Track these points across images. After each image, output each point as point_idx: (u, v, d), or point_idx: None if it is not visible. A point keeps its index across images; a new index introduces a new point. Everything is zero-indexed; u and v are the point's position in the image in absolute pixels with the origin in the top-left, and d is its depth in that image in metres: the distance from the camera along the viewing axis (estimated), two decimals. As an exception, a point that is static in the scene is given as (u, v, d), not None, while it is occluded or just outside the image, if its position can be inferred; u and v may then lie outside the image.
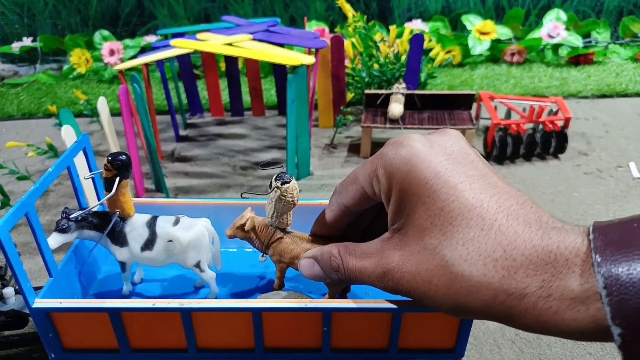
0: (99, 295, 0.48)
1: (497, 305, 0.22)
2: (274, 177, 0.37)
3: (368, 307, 0.37)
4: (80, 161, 0.47)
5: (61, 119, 0.71)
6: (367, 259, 0.27)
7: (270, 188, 0.37)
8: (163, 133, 1.09)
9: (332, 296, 0.42)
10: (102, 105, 0.77)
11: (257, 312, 0.37)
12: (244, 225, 0.41)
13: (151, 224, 0.43)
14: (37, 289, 0.42)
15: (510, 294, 0.21)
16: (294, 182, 0.36)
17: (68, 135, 0.64)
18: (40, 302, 0.38)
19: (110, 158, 0.41)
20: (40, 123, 1.21)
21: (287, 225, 0.41)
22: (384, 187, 0.26)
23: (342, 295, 0.43)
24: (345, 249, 0.29)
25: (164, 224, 0.43)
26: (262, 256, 0.43)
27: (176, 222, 0.43)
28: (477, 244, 0.22)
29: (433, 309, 0.25)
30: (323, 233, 0.37)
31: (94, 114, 1.08)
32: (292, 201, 0.38)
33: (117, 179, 0.41)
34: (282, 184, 0.36)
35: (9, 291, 0.49)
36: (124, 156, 0.41)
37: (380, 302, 0.37)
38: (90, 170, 0.47)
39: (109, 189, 0.42)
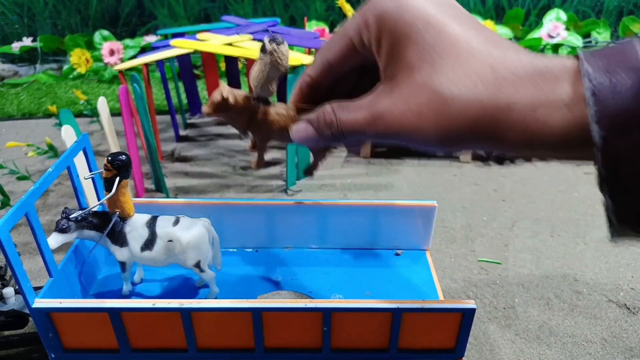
0: (99, 295, 0.48)
1: (485, 122, 0.22)
2: (267, 40, 0.33)
3: (368, 307, 0.37)
4: (80, 161, 0.47)
5: (61, 119, 0.71)
6: (359, 111, 0.27)
7: (263, 52, 0.33)
8: (163, 133, 1.09)
9: (315, 163, 0.38)
10: (102, 105, 0.77)
11: (257, 312, 0.37)
12: (224, 100, 0.35)
13: (151, 224, 0.43)
14: (37, 289, 0.42)
15: (499, 108, 0.22)
16: (286, 44, 0.34)
17: (68, 135, 0.63)
18: (40, 302, 0.38)
19: (110, 158, 0.41)
20: (40, 123, 1.21)
21: (272, 94, 0.36)
22: (375, 34, 0.26)
23: (321, 156, 0.39)
24: (338, 105, 0.28)
25: (164, 224, 0.43)
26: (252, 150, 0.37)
27: (176, 222, 0.44)
28: (465, 67, 0.23)
29: (425, 148, 0.25)
30: (304, 99, 0.34)
31: (94, 114, 1.08)
32: (285, 64, 0.34)
33: (117, 179, 0.41)
34: (278, 44, 0.33)
35: (9, 291, 0.49)
36: (123, 156, 0.41)
37: (380, 302, 0.37)
38: (90, 170, 0.47)
39: (108, 189, 0.42)
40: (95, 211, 0.43)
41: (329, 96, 0.32)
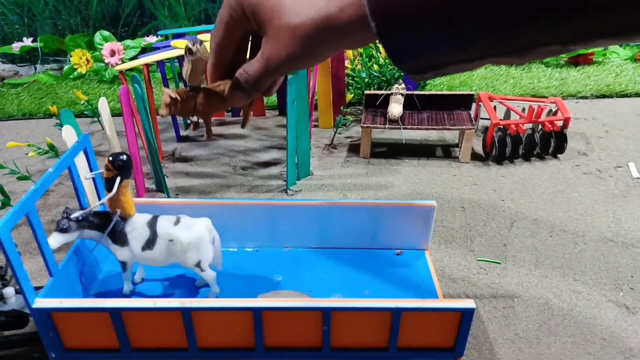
0: (100, 295, 0.48)
1: (317, 28, 0.32)
2: (190, 43, 0.44)
3: (368, 306, 0.37)
4: (81, 161, 0.47)
5: (62, 119, 0.71)
6: (257, 62, 0.36)
7: (189, 54, 0.44)
8: (164, 133, 1.09)
9: (245, 118, 0.46)
10: (103, 105, 0.77)
11: (257, 311, 0.37)
12: (172, 99, 0.45)
13: (152, 224, 0.44)
14: (37, 288, 0.42)
15: (319, 16, 0.32)
16: (204, 42, 0.45)
17: (69, 135, 0.64)
18: (40, 302, 0.38)
19: (111, 158, 0.41)
20: (40, 123, 1.21)
21: (202, 82, 0.47)
22: (239, 12, 0.36)
23: (249, 110, 0.47)
24: (245, 65, 0.38)
25: (164, 224, 0.43)
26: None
27: (177, 221, 0.44)
28: (295, 4, 0.33)
29: (304, 64, 0.35)
30: (218, 78, 0.43)
31: (94, 114, 1.08)
32: (206, 58, 0.45)
33: (118, 179, 0.41)
34: (200, 44, 0.44)
35: (9, 291, 0.49)
36: (124, 156, 0.42)
37: (380, 301, 0.37)
38: (91, 171, 0.47)
39: (109, 189, 0.42)
40: (96, 211, 0.43)
41: (235, 65, 0.41)
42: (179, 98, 0.46)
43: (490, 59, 0.28)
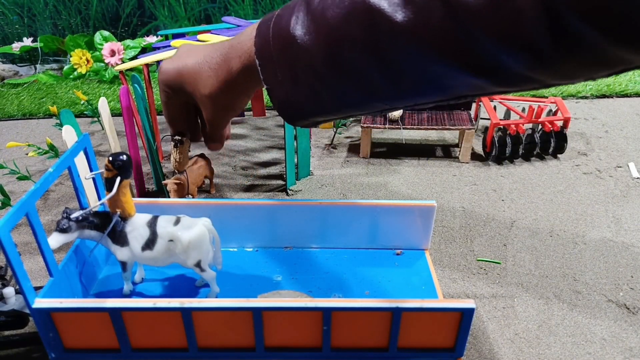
0: (100, 295, 0.48)
1: (225, 86, 0.39)
2: (174, 144, 0.49)
3: (368, 306, 0.37)
4: (81, 161, 0.47)
5: (62, 119, 0.71)
6: (206, 123, 0.44)
7: (179, 144, 0.49)
8: (164, 133, 1.09)
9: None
10: (103, 105, 0.77)
11: (257, 311, 0.37)
12: (178, 184, 0.69)
13: (152, 224, 0.44)
14: (37, 288, 0.42)
15: (221, 79, 0.39)
16: (186, 138, 0.50)
17: (69, 135, 0.64)
18: (40, 302, 0.38)
19: (111, 158, 0.41)
20: (40, 123, 1.21)
21: (186, 165, 0.56)
22: (171, 91, 0.42)
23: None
24: (205, 128, 0.46)
25: (164, 224, 0.43)
26: None
27: (177, 221, 0.44)
28: (201, 74, 0.40)
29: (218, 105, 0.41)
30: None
31: (94, 114, 1.08)
32: (189, 148, 0.53)
33: (118, 179, 0.41)
34: (181, 143, 0.49)
35: (9, 291, 0.49)
36: (124, 156, 0.42)
37: (380, 301, 0.37)
38: (91, 171, 0.47)
39: (109, 189, 0.42)
40: (96, 211, 0.43)
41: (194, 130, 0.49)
42: (181, 182, 0.69)
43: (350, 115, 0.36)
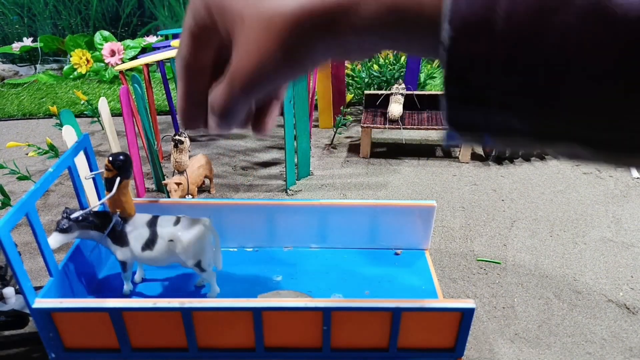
0: (100, 295, 0.48)
1: (310, 20, 0.22)
2: (174, 144, 0.46)
3: (368, 306, 0.37)
4: (81, 161, 0.47)
5: (62, 119, 0.71)
6: (223, 82, 0.27)
7: (179, 144, 0.47)
8: (164, 133, 1.09)
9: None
10: (103, 105, 0.77)
11: (257, 311, 0.37)
12: (178, 184, 0.69)
13: (152, 224, 0.44)
14: (37, 288, 0.42)
15: (313, 1, 0.22)
16: (186, 138, 0.47)
17: (69, 135, 0.64)
18: (40, 302, 0.38)
19: (110, 158, 0.41)
20: (40, 123, 1.21)
21: (187, 165, 0.59)
22: (205, 12, 0.26)
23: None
24: (213, 88, 0.28)
25: (164, 224, 0.43)
26: None
27: (177, 221, 0.44)
28: None
29: (286, 77, 0.25)
30: (190, 119, 0.33)
31: (94, 114, 1.08)
32: (189, 148, 0.53)
33: (118, 179, 0.41)
34: (181, 143, 0.46)
35: (9, 291, 0.49)
36: (124, 156, 0.41)
37: (380, 301, 0.37)
38: (91, 171, 0.47)
39: (109, 189, 0.42)
40: (96, 211, 0.43)
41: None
42: (181, 182, 0.69)
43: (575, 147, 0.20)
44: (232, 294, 0.47)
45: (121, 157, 0.41)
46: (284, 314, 0.38)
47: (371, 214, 0.52)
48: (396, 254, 0.54)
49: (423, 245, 0.54)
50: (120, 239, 0.43)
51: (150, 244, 0.43)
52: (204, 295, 0.48)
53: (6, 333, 0.51)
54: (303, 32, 0.22)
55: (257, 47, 0.23)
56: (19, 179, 0.79)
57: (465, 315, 0.38)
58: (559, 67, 0.18)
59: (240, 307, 0.37)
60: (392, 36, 0.22)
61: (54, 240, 0.41)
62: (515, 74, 0.19)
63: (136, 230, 0.43)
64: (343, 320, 0.38)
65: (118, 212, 0.43)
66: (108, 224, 0.43)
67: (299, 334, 0.39)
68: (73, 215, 0.42)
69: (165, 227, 0.43)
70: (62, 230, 0.42)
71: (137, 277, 0.49)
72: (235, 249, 0.54)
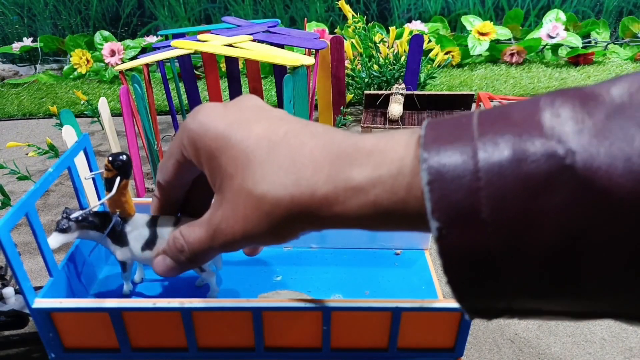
0: (100, 295, 0.48)
1: (299, 210, 0.23)
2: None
3: (368, 306, 0.37)
4: (80, 161, 0.47)
5: (62, 119, 0.71)
6: (202, 227, 0.28)
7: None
8: (164, 133, 1.09)
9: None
10: (103, 105, 0.77)
11: (257, 311, 0.37)
12: None
13: (152, 224, 0.43)
14: (37, 288, 0.42)
15: (304, 195, 0.23)
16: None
17: (69, 135, 0.64)
18: (40, 302, 0.38)
19: (110, 158, 0.41)
20: (40, 123, 1.21)
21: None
22: (192, 152, 0.28)
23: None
24: (187, 227, 0.29)
25: (164, 224, 0.43)
26: None
27: (177, 222, 0.44)
28: (269, 164, 0.24)
29: (268, 244, 0.26)
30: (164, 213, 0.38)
31: (94, 114, 1.08)
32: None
33: (118, 179, 0.41)
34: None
35: (9, 291, 0.49)
36: (124, 156, 0.41)
37: (380, 301, 0.37)
38: (91, 171, 0.47)
39: (109, 189, 0.42)
40: (95, 211, 0.43)
41: (186, 205, 0.35)
42: None
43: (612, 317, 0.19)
44: (232, 294, 0.47)
45: (121, 157, 0.41)
46: (284, 314, 0.38)
47: (371, 214, 0.52)
48: (396, 254, 0.54)
49: (423, 245, 0.54)
50: (120, 239, 0.43)
51: (150, 244, 0.43)
52: (204, 296, 0.48)
53: (6, 333, 0.51)
54: (291, 219, 0.23)
55: (244, 219, 0.25)
56: (19, 179, 0.79)
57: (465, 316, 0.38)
58: (560, 252, 0.17)
59: (240, 307, 0.37)
60: (379, 226, 0.22)
61: (54, 240, 0.41)
62: (515, 262, 0.17)
63: (136, 231, 0.43)
64: (343, 320, 0.38)
65: (118, 212, 0.43)
66: (108, 224, 0.43)
67: (299, 334, 0.39)
68: (73, 216, 0.42)
69: (165, 227, 0.43)
70: (62, 230, 0.42)
71: (137, 277, 0.49)
72: (235, 249, 0.54)
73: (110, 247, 0.44)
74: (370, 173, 0.21)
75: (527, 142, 0.17)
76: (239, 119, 0.26)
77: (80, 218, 0.42)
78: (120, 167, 0.41)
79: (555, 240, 0.17)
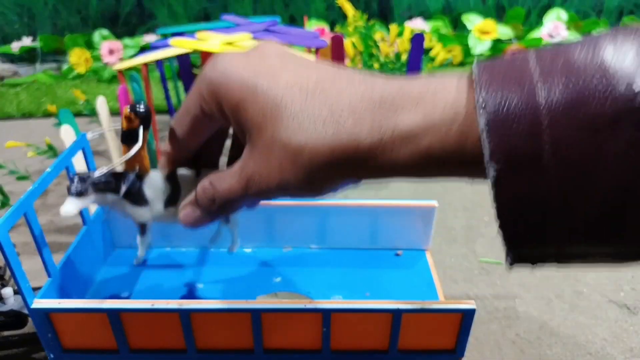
0: (98, 296, 0.48)
1: (340, 162, 0.22)
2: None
3: (368, 307, 0.37)
4: (79, 161, 0.47)
5: (60, 119, 0.71)
6: (232, 178, 0.27)
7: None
8: (162, 132, 1.09)
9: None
10: (102, 104, 0.77)
11: (256, 312, 0.37)
12: None
13: (171, 179, 0.38)
14: (36, 289, 0.42)
15: (345, 144, 0.22)
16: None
17: (67, 135, 0.63)
18: (39, 303, 0.38)
19: (131, 108, 0.35)
20: (39, 123, 1.21)
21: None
22: (214, 105, 0.26)
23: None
24: (215, 176, 0.28)
25: (184, 178, 0.38)
26: None
27: (197, 174, 0.38)
28: (304, 114, 0.22)
29: (302, 197, 0.25)
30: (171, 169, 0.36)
31: (93, 113, 1.08)
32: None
33: (141, 128, 0.36)
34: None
35: (7, 291, 0.49)
36: (143, 104, 0.36)
37: (380, 302, 0.37)
38: (90, 170, 0.47)
39: (130, 142, 0.36)
40: (110, 172, 0.37)
41: (198, 161, 0.34)
42: None
43: None
44: (230, 295, 0.47)
45: (141, 105, 0.35)
46: (283, 315, 0.38)
47: (371, 214, 0.51)
48: (397, 254, 0.54)
49: (424, 245, 0.54)
50: (139, 199, 0.38)
51: (172, 199, 0.38)
52: (204, 296, 0.47)
53: (5, 333, 0.51)
54: (331, 171, 0.23)
55: (280, 170, 0.24)
56: (19, 179, 0.79)
57: (466, 317, 0.37)
58: (618, 196, 0.17)
59: (239, 309, 0.37)
60: (429, 174, 0.22)
61: (72, 205, 0.35)
62: (572, 207, 0.17)
63: (155, 187, 0.38)
64: (343, 321, 0.38)
65: (137, 169, 0.37)
66: (123, 185, 0.37)
67: (299, 336, 0.39)
68: (96, 175, 0.36)
69: (187, 181, 0.39)
70: (79, 194, 0.36)
71: (138, 258, 0.43)
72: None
73: (128, 210, 0.39)
74: (421, 120, 0.20)
75: (590, 81, 0.16)
76: (263, 67, 0.24)
77: (103, 179, 0.36)
78: (144, 116, 0.35)
79: (613, 184, 0.16)
